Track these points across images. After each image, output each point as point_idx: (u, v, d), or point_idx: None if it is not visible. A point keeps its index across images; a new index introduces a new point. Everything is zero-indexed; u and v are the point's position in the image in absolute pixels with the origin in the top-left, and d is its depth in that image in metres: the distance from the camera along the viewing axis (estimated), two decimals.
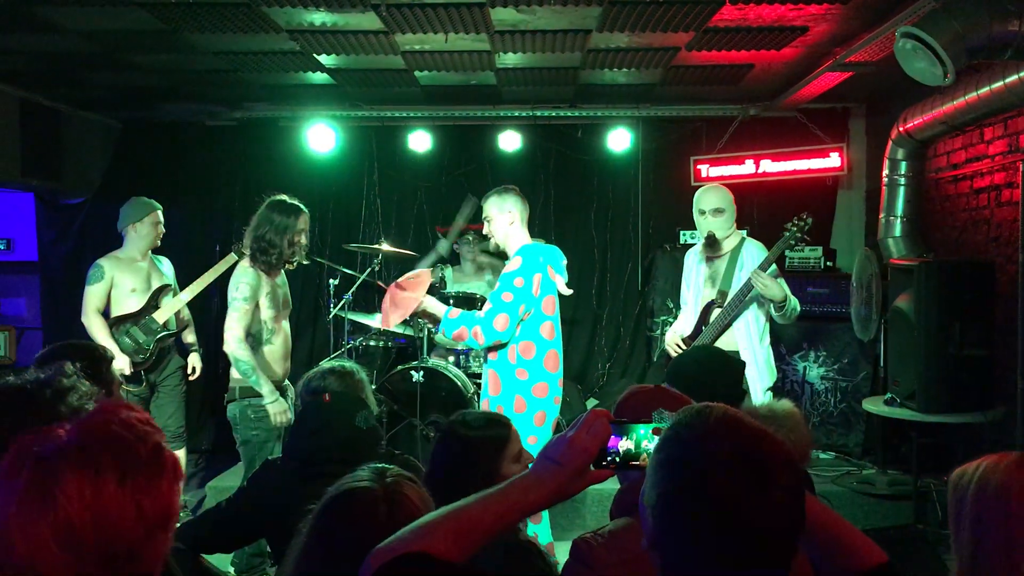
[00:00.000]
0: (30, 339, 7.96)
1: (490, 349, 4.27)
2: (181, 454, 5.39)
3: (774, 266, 4.51)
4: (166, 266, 5.54)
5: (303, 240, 4.54)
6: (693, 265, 4.86)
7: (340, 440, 2.83)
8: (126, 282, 5.28)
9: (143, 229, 5.33)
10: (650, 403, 2.19)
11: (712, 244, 4.69)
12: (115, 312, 5.26)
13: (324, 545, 1.81)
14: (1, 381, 1.37)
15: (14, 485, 1.10)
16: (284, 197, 4.58)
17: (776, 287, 4.37)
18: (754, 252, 4.62)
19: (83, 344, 2.76)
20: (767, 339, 4.63)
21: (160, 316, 5.24)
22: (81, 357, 2.55)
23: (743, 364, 3.24)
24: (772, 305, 4.45)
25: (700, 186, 6.99)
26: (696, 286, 4.79)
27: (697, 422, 1.30)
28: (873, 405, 5.34)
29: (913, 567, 3.66)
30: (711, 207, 4.66)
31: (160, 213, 5.42)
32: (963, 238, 5.61)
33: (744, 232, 4.97)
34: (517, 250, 4.28)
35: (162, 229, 5.42)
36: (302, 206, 4.59)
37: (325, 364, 3.29)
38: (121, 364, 5.00)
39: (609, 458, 1.44)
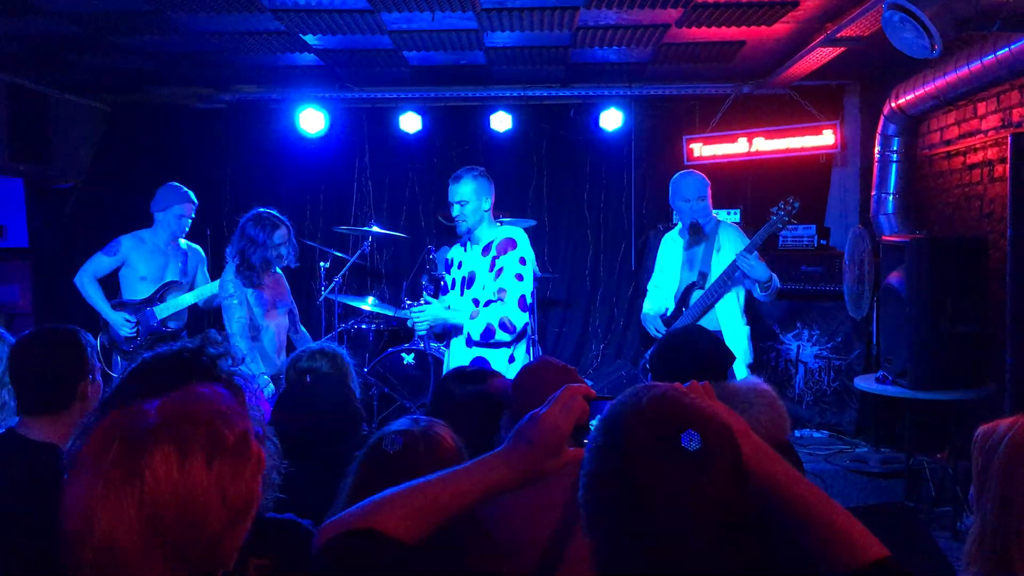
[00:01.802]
0: (22, 325, 7.94)
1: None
2: None
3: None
4: (193, 259, 5.37)
5: (283, 252, 4.57)
6: (670, 251, 4.86)
7: (323, 420, 2.82)
8: (139, 267, 5.17)
9: (164, 218, 5.18)
10: (533, 375, 2.34)
11: (697, 232, 4.69)
12: (125, 295, 5.18)
13: (369, 484, 1.79)
14: (155, 352, 1.35)
15: (102, 461, 1.07)
16: (263, 211, 4.59)
17: (762, 267, 4.40)
18: (732, 235, 4.66)
19: (65, 328, 2.73)
20: (746, 318, 4.66)
21: (160, 311, 5.17)
22: (64, 340, 2.52)
23: (732, 355, 3.20)
24: (757, 285, 4.46)
25: (695, 166, 7.04)
26: (672, 270, 4.80)
27: (630, 402, 1.25)
28: (865, 383, 5.32)
29: (900, 545, 3.64)
30: (696, 195, 4.65)
31: (186, 206, 5.21)
32: (956, 214, 5.58)
33: (717, 215, 4.94)
34: (502, 230, 4.22)
35: (186, 222, 5.23)
36: (281, 219, 4.59)
37: (313, 345, 3.28)
38: (117, 328, 5.05)
39: (588, 436, 1.37)
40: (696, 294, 4.62)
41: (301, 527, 1.57)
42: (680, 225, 4.82)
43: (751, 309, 4.85)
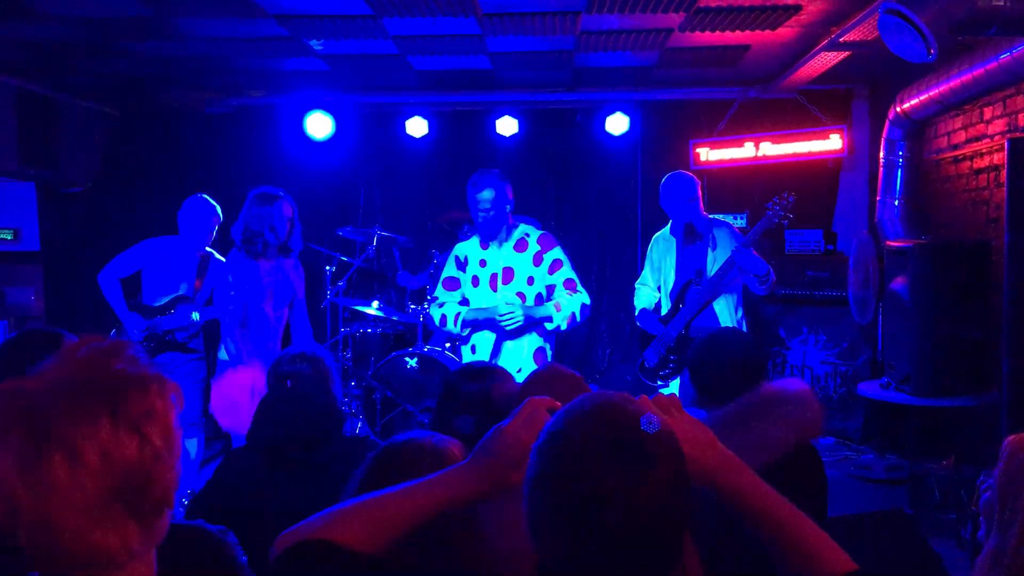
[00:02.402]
0: (35, 327, 8.02)
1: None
2: (194, 442, 5.36)
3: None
4: (215, 270, 5.25)
5: (288, 226, 4.59)
6: (663, 250, 4.88)
7: (303, 425, 2.82)
8: (158, 273, 5.17)
9: (189, 226, 5.16)
10: (545, 384, 2.23)
11: (691, 232, 4.72)
12: (144, 298, 5.20)
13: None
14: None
15: (8, 445, 1.08)
16: (265, 189, 4.65)
17: (761, 260, 4.45)
18: (724, 231, 4.70)
19: (50, 331, 2.75)
20: (742, 312, 4.69)
21: (167, 322, 5.19)
22: (48, 344, 2.54)
23: (765, 352, 3.21)
24: (756, 278, 4.48)
25: (702, 170, 7.02)
26: (666, 268, 4.82)
27: (575, 407, 1.25)
28: (869, 389, 5.28)
29: (896, 552, 3.62)
30: (687, 196, 4.68)
31: (212, 218, 5.16)
32: (963, 219, 5.53)
33: (708, 217, 4.93)
34: (527, 227, 4.47)
35: (208, 234, 5.18)
36: (281, 194, 4.65)
37: (294, 349, 3.27)
38: (128, 329, 5.09)
39: None
40: (693, 291, 4.64)
41: (210, 534, 1.56)
42: (669, 225, 4.87)
43: (753, 313, 4.85)
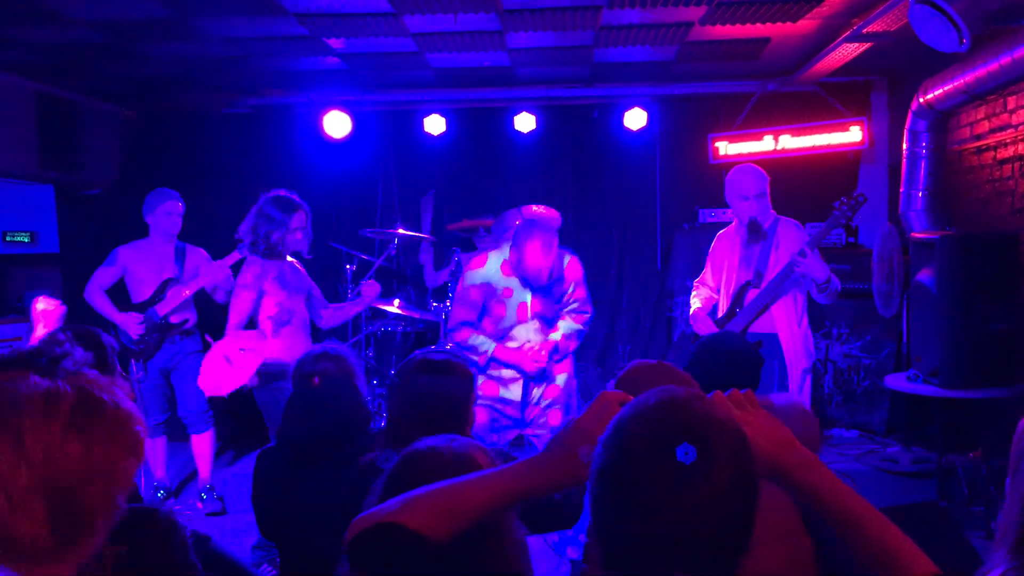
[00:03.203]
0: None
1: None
2: (207, 436, 5.42)
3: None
4: (192, 257, 5.50)
5: (301, 236, 4.64)
6: (727, 248, 4.63)
7: (329, 423, 2.82)
8: (139, 271, 5.37)
9: (155, 219, 5.39)
10: (650, 379, 2.16)
11: (756, 231, 4.48)
12: (133, 300, 5.35)
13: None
14: None
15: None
16: (282, 193, 4.64)
17: (820, 267, 4.20)
18: (791, 232, 4.45)
19: (84, 329, 2.76)
20: (805, 319, 4.46)
21: (162, 307, 5.27)
22: (82, 343, 2.54)
23: (761, 359, 3.15)
24: (816, 286, 4.26)
25: (721, 164, 7.00)
26: (729, 268, 4.58)
27: (640, 402, 1.25)
28: (896, 382, 5.25)
29: (934, 545, 3.60)
30: (754, 193, 4.44)
31: (174, 203, 5.41)
32: (987, 210, 5.50)
33: (775, 214, 4.67)
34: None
35: (176, 219, 5.41)
36: (299, 203, 4.63)
37: (317, 348, 3.27)
38: (126, 328, 5.19)
39: None
40: (751, 295, 4.43)
41: (160, 514, 1.58)
42: (735, 221, 4.64)
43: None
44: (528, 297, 4.43)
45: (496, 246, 4.64)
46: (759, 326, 4.37)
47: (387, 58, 6.13)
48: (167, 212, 5.37)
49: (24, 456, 1.15)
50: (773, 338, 4.32)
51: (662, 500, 1.15)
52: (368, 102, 7.29)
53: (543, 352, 4.40)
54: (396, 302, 6.42)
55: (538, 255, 4.26)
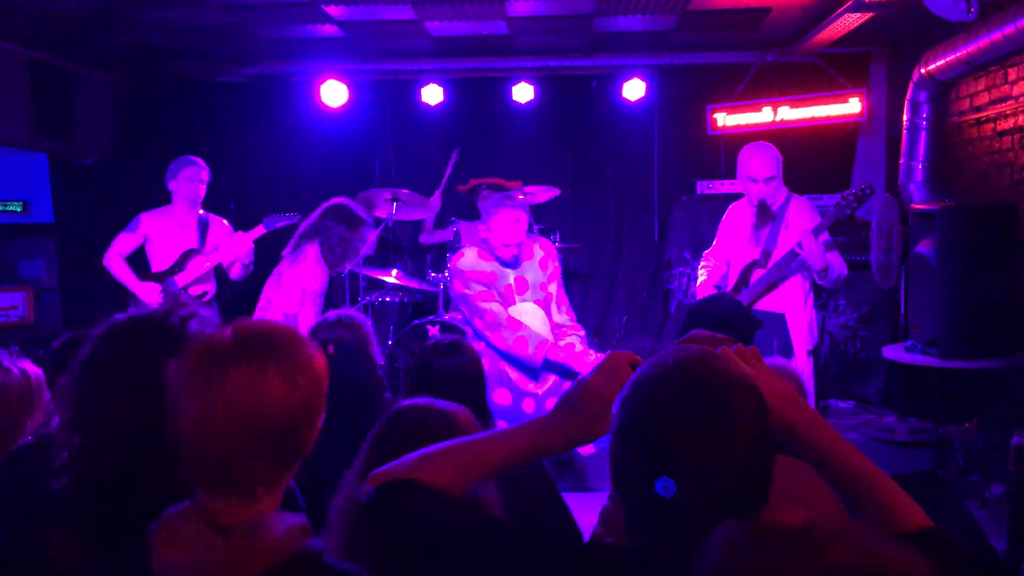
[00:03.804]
0: (48, 299, 8.00)
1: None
2: None
3: (827, 233, 4.27)
4: (215, 228, 5.41)
5: (358, 252, 4.86)
6: (738, 221, 4.54)
7: (345, 393, 2.80)
8: (160, 239, 5.26)
9: (178, 185, 5.27)
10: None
11: (765, 212, 4.41)
12: (152, 269, 5.27)
13: (381, 458, 1.89)
14: (128, 316, 1.59)
15: (195, 382, 1.31)
16: (348, 206, 4.76)
17: (819, 256, 4.10)
18: (802, 211, 4.37)
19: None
20: (810, 301, 4.42)
21: (181, 279, 5.22)
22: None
23: (759, 323, 3.12)
24: (817, 273, 4.21)
25: (719, 136, 6.98)
26: (739, 243, 4.51)
27: (659, 361, 1.26)
28: (894, 353, 5.28)
29: (933, 513, 3.63)
30: (763, 176, 4.34)
31: (196, 169, 5.29)
32: (986, 182, 5.51)
33: (787, 192, 4.54)
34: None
35: (199, 185, 5.29)
36: (365, 218, 4.76)
37: (331, 316, 3.25)
38: (146, 298, 5.13)
39: None
40: (757, 274, 4.38)
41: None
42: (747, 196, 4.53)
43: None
44: (511, 276, 4.28)
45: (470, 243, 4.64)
46: (766, 304, 4.33)
47: (385, 26, 6.07)
48: (188, 178, 5.25)
49: (263, 404, 1.31)
50: (780, 317, 4.30)
51: (688, 459, 1.16)
52: (366, 71, 7.23)
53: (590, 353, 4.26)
54: (394, 272, 6.41)
55: (506, 228, 4.12)
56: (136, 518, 1.36)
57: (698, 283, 4.63)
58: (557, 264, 4.43)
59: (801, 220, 4.32)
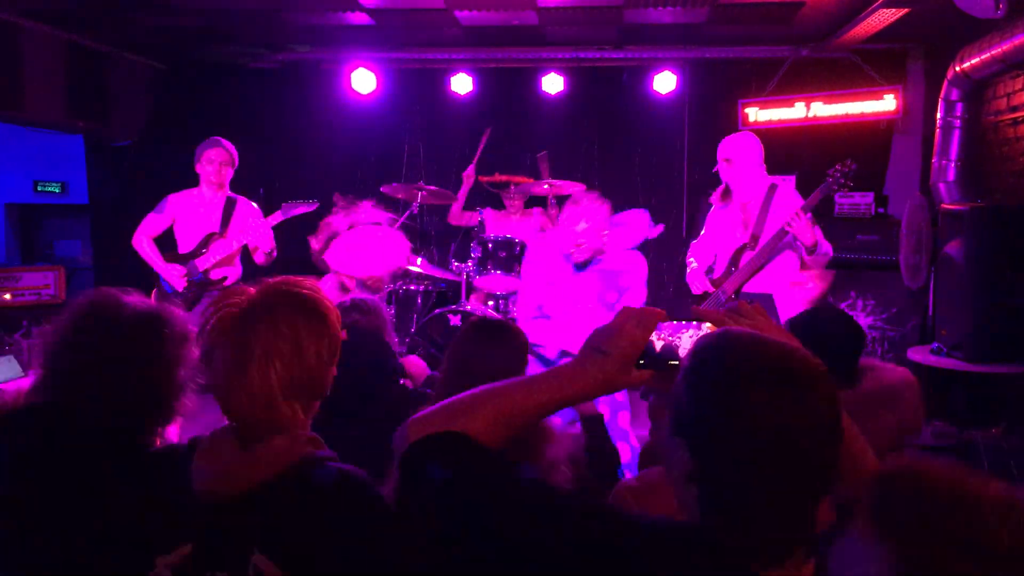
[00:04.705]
0: (82, 278, 8.15)
1: None
2: None
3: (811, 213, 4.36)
4: (242, 211, 5.42)
5: None
6: (721, 216, 4.72)
7: (356, 376, 2.82)
8: (186, 221, 5.32)
9: (201, 167, 5.31)
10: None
11: (724, 193, 4.62)
12: (180, 250, 5.33)
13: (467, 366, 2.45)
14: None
15: (225, 342, 1.56)
16: None
17: (808, 231, 4.25)
18: (787, 198, 4.50)
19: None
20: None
21: (202, 262, 5.26)
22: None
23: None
24: (804, 248, 4.33)
25: (750, 131, 6.88)
26: (730, 232, 4.65)
27: (723, 344, 1.24)
28: (919, 355, 5.20)
29: None
30: (722, 156, 4.56)
31: (216, 150, 5.31)
32: (1021, 183, 5.39)
33: (771, 180, 4.67)
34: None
35: (217, 167, 5.30)
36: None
37: (348, 300, 3.27)
38: (169, 279, 5.21)
39: (646, 359, 1.36)
40: (747, 256, 4.50)
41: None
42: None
43: None
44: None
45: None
46: (753, 286, 4.46)
47: (416, 15, 6.09)
48: (210, 160, 5.29)
49: (300, 357, 1.60)
50: (767, 298, 4.40)
51: (797, 425, 1.14)
52: (395, 60, 7.25)
53: None
54: (419, 261, 6.42)
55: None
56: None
57: (688, 271, 4.80)
58: None
59: (787, 204, 4.43)
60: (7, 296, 6.37)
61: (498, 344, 2.59)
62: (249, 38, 6.96)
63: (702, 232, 4.90)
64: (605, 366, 1.35)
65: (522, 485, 1.29)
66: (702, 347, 1.26)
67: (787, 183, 4.68)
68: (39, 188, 9.26)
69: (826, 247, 4.36)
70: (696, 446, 1.20)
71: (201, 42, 7.07)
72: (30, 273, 6.64)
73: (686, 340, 1.37)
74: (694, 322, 1.40)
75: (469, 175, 6.79)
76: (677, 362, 1.34)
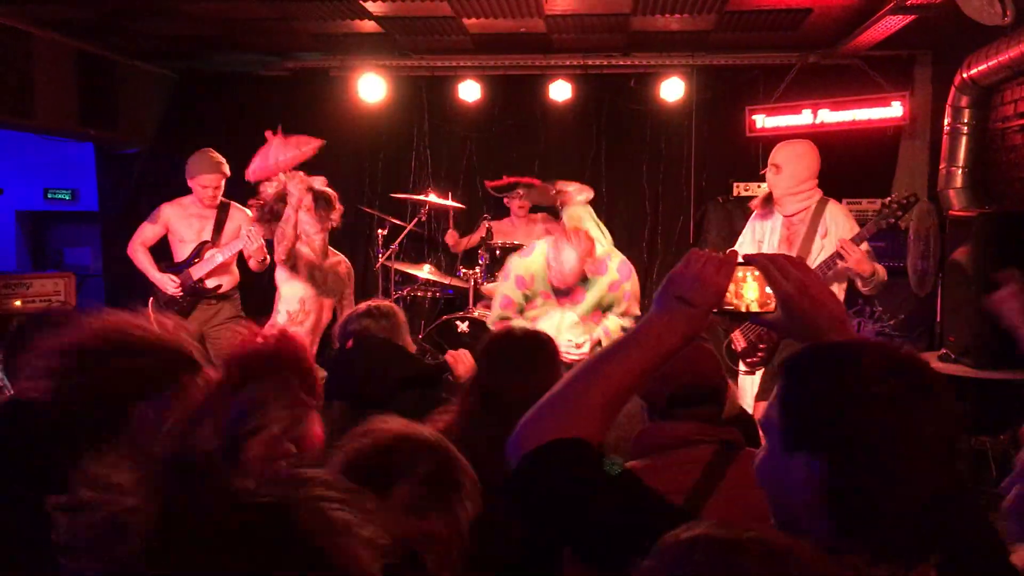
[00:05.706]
0: (92, 286, 8.18)
1: None
2: None
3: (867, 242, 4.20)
4: (235, 218, 5.45)
5: None
6: (769, 227, 4.48)
7: (373, 378, 2.84)
8: (180, 230, 5.38)
9: (194, 187, 5.37)
10: None
11: (765, 201, 4.42)
12: (175, 259, 5.39)
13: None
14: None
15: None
16: None
17: (867, 261, 4.04)
18: (840, 220, 4.28)
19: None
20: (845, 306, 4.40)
21: (196, 271, 5.30)
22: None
23: None
24: (860, 278, 4.14)
25: (757, 137, 6.90)
26: (770, 246, 4.41)
27: (845, 356, 1.16)
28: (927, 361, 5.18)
29: (955, 524, 3.56)
30: (772, 160, 4.37)
31: (210, 177, 5.32)
32: None
33: (820, 195, 4.44)
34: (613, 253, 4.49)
35: (216, 190, 5.35)
36: None
37: (363, 305, 3.28)
38: (165, 287, 5.26)
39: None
40: None
41: None
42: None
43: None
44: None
45: None
46: None
47: (423, 22, 6.11)
48: (203, 185, 5.33)
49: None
50: None
51: (933, 429, 1.11)
52: (404, 67, 7.28)
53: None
54: (426, 267, 6.45)
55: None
56: None
57: None
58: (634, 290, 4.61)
59: (839, 228, 4.24)
60: (17, 303, 6.41)
61: (531, 369, 2.57)
62: (258, 46, 7.00)
63: (739, 240, 4.70)
64: (692, 317, 1.33)
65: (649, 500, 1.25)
66: (825, 359, 1.20)
67: (837, 204, 4.44)
68: (49, 195, 9.30)
69: (882, 274, 4.16)
70: (837, 461, 1.12)
71: (211, 50, 7.11)
72: (40, 280, 6.68)
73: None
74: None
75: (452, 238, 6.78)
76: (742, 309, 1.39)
